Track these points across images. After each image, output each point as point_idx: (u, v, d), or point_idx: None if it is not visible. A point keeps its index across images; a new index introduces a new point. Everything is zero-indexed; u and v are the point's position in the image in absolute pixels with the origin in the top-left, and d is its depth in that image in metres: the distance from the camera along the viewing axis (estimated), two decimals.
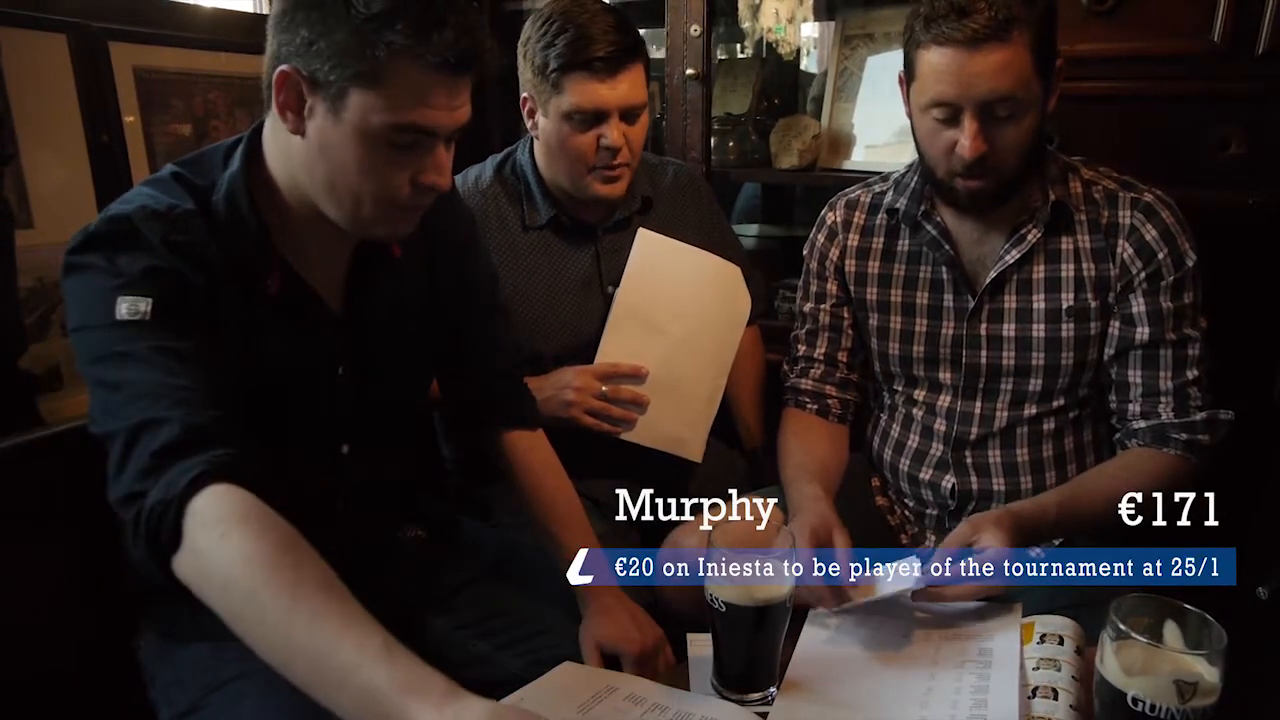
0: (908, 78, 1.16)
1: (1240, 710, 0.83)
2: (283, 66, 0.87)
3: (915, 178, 1.28)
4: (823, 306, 1.38)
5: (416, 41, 0.84)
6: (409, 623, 1.16)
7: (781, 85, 2.22)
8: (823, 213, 1.39)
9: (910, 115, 1.19)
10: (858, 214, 1.35)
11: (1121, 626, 0.80)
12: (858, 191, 1.38)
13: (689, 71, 1.83)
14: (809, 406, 1.37)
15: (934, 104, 1.11)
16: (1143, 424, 1.19)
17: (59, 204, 1.31)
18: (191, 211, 0.92)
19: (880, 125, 1.88)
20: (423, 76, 0.86)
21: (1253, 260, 1.26)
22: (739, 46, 2.29)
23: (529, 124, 1.41)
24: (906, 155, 1.80)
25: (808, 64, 2.26)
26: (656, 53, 2.10)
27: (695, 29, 1.82)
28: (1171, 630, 0.82)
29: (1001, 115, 1.09)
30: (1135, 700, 0.77)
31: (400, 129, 0.88)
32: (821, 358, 1.38)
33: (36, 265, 1.28)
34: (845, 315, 1.37)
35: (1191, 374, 1.18)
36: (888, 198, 1.31)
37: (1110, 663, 0.80)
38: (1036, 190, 1.19)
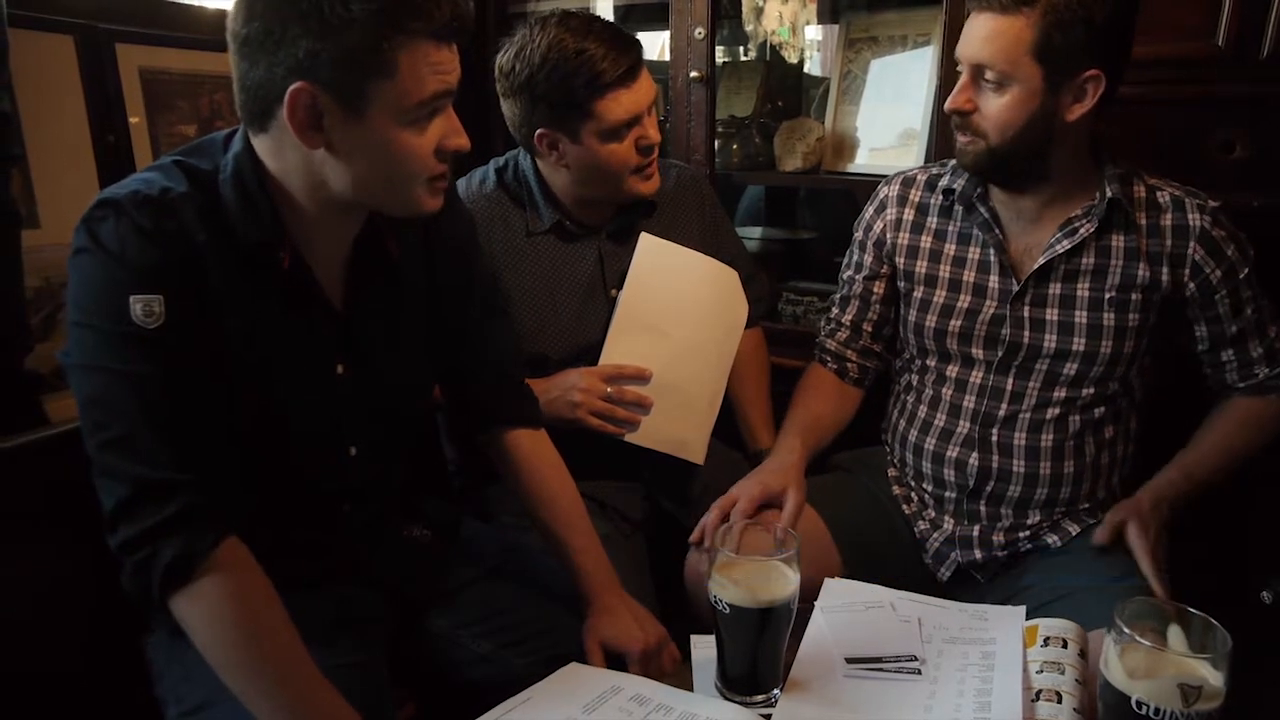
0: None
1: (1245, 714, 0.83)
2: (293, 85, 0.86)
3: None
4: (857, 276, 1.46)
5: (423, 22, 0.86)
6: (412, 622, 1.17)
7: (785, 88, 2.22)
8: (878, 187, 1.46)
9: None
10: (914, 191, 1.41)
11: (1126, 630, 0.80)
12: (915, 171, 1.44)
13: (693, 74, 1.83)
14: (829, 365, 1.48)
15: (957, 61, 1.21)
16: (1241, 384, 1.30)
17: (65, 204, 1.31)
18: (184, 195, 0.91)
19: (884, 128, 1.88)
20: (430, 49, 0.88)
21: (1255, 263, 1.26)
22: (742, 49, 2.29)
23: (551, 157, 1.39)
24: (910, 158, 1.82)
25: (811, 67, 2.26)
26: (661, 55, 2.11)
27: (699, 31, 1.82)
28: (1176, 634, 0.83)
29: (988, 80, 1.18)
30: (1139, 704, 0.77)
31: (423, 104, 0.90)
32: (848, 324, 1.47)
33: (43, 265, 1.29)
34: (876, 289, 1.44)
35: (1273, 331, 1.28)
36: (944, 180, 1.36)
37: (1114, 666, 0.81)
38: (1094, 188, 1.24)
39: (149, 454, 0.87)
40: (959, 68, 1.21)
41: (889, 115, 1.87)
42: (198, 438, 0.90)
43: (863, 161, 1.90)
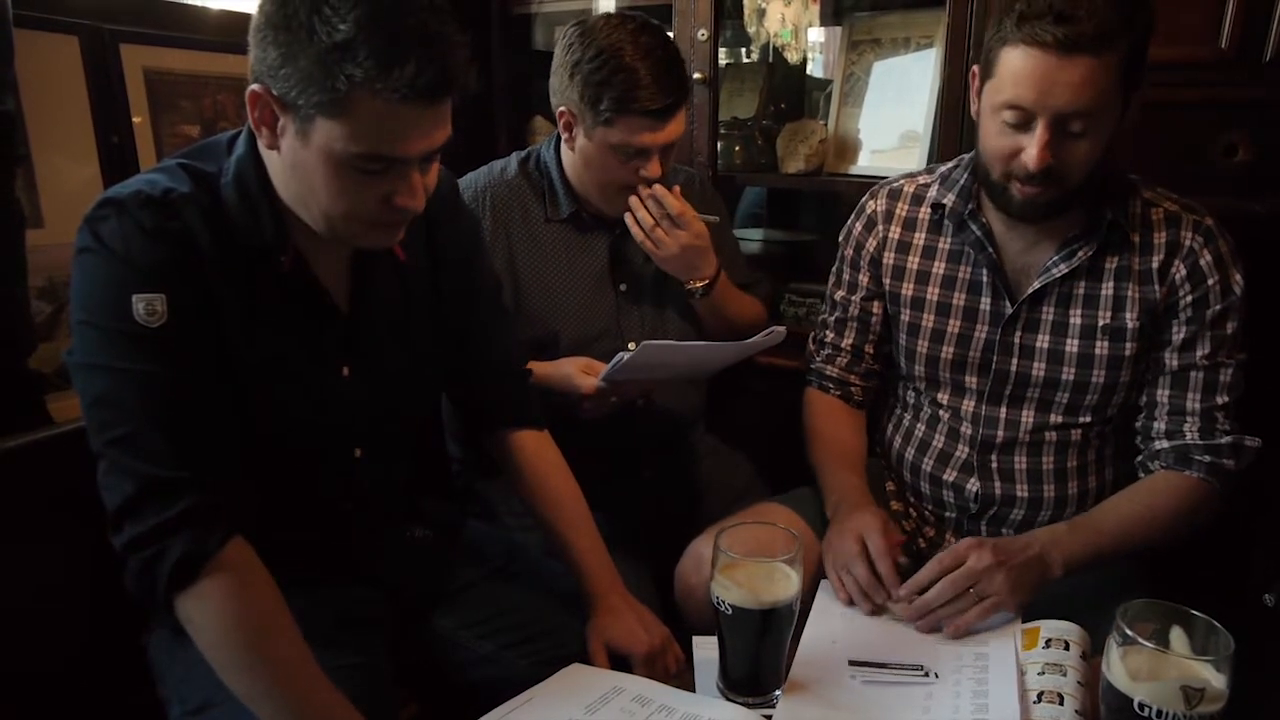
0: (983, 73, 1.12)
1: (1247, 716, 0.82)
2: (254, 86, 0.86)
3: (965, 175, 1.25)
4: (853, 298, 1.37)
5: (377, 75, 0.81)
6: (415, 622, 1.17)
7: (788, 90, 2.22)
8: (863, 200, 1.37)
9: (977, 111, 1.16)
10: (901, 205, 1.32)
11: (1128, 632, 0.80)
12: (901, 181, 1.35)
13: (696, 76, 1.84)
14: (832, 391, 1.40)
15: (1008, 106, 1.07)
16: (1166, 444, 1.17)
17: (69, 204, 1.32)
18: (187, 196, 0.91)
19: (886, 130, 1.88)
20: (387, 109, 0.83)
21: (1258, 267, 1.25)
22: (745, 51, 2.29)
23: (565, 135, 1.43)
24: (912, 160, 1.82)
25: (814, 69, 2.26)
26: None
27: (702, 33, 1.83)
28: (1178, 636, 0.83)
29: (1075, 130, 1.05)
30: (1142, 706, 0.78)
31: (366, 158, 0.86)
32: (849, 348, 1.39)
33: (47, 265, 1.29)
34: (875, 310, 1.36)
35: (1221, 399, 1.16)
36: (932, 191, 1.28)
37: (1117, 668, 0.81)
38: (1095, 207, 1.16)
39: (154, 452, 0.87)
40: (1007, 114, 1.07)
41: (891, 117, 1.87)
42: (203, 436, 0.90)
43: (865, 163, 1.90)
